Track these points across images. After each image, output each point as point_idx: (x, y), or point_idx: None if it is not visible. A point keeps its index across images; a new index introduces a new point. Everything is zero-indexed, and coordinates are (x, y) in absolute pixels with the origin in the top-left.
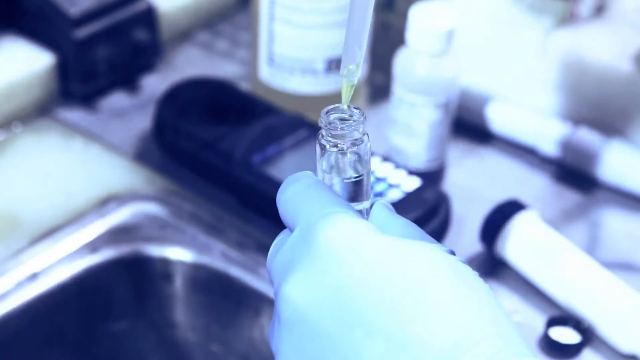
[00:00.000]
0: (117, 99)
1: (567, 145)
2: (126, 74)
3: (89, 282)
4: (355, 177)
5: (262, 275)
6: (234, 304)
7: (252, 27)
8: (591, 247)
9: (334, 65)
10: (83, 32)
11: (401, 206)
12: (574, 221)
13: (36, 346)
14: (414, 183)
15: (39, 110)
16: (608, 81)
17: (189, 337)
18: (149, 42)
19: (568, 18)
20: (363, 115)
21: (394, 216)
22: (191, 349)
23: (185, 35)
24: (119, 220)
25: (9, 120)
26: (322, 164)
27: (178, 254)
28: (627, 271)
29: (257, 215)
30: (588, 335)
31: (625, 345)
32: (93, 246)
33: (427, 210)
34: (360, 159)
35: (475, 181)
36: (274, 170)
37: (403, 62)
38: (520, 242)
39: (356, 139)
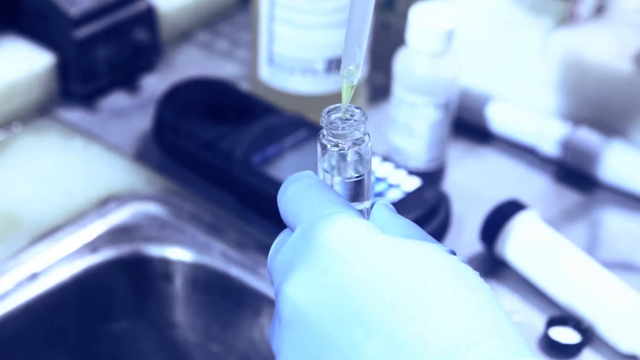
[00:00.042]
0: (117, 99)
1: (567, 145)
2: (126, 74)
3: (89, 282)
4: (356, 177)
5: (262, 275)
6: (234, 304)
7: (252, 27)
8: (591, 247)
9: (334, 65)
10: (83, 32)
11: (401, 206)
12: (574, 221)
13: (36, 346)
14: (414, 183)
15: (39, 110)
16: (608, 81)
17: (189, 337)
18: (149, 42)
19: (568, 18)
20: (364, 115)
21: (395, 216)
22: (191, 349)
23: (185, 35)
24: (119, 220)
25: (9, 120)
26: (323, 164)
27: (178, 254)
28: (627, 271)
29: (257, 215)
30: (588, 335)
31: (625, 345)
32: (93, 246)
33: (427, 210)
34: (361, 158)
35: (475, 181)
36: (274, 170)
37: (403, 62)
38: (520, 242)
39: (357, 139)
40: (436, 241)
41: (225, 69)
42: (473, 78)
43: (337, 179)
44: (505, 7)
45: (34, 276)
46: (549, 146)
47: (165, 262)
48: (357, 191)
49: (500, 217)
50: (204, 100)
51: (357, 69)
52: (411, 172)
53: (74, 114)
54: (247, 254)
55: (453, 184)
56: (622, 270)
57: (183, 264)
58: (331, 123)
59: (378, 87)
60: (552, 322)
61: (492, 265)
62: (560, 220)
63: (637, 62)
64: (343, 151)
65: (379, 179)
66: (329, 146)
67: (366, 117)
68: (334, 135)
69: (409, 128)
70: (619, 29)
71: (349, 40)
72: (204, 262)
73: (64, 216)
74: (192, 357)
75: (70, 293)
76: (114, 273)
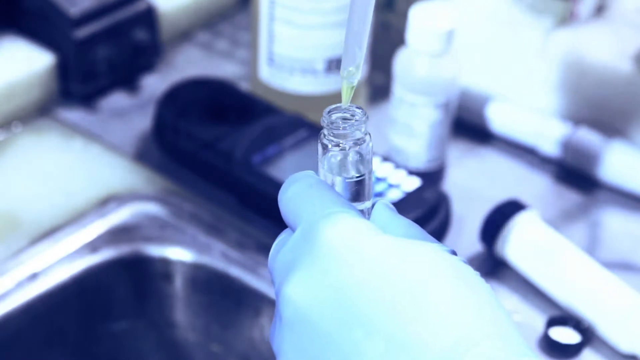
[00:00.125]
0: (117, 99)
1: (567, 145)
2: (126, 74)
3: (89, 282)
4: (357, 177)
5: (262, 275)
6: (234, 304)
7: (252, 27)
8: (591, 247)
9: (334, 65)
10: (83, 32)
11: (401, 206)
12: (574, 221)
13: (36, 346)
14: (414, 183)
15: (39, 110)
16: (608, 81)
17: (189, 337)
18: (149, 42)
19: (568, 18)
20: (365, 115)
21: (396, 216)
22: (191, 349)
23: (185, 35)
24: (119, 220)
25: (9, 120)
26: (324, 164)
27: (178, 254)
28: (627, 271)
29: (257, 215)
30: (588, 335)
31: (625, 345)
32: (93, 246)
33: (427, 210)
34: (362, 158)
35: (475, 181)
36: (274, 170)
37: (403, 62)
38: (520, 242)
39: (358, 139)
40: (437, 241)
41: (225, 69)
42: (473, 78)
43: (338, 179)
44: (505, 7)
45: (34, 276)
46: (549, 146)
47: (165, 262)
48: (357, 191)
49: (500, 217)
50: (204, 100)
51: (357, 70)
52: (411, 172)
53: (74, 114)
54: (247, 254)
55: (453, 184)
56: (622, 270)
57: (183, 264)
58: (332, 123)
59: (378, 87)
60: (552, 322)
61: (492, 265)
62: (560, 220)
63: (637, 62)
64: (344, 151)
65: (379, 179)
66: (330, 146)
67: (367, 117)
68: (335, 135)
69: (409, 128)
70: (619, 29)
71: (349, 41)
72: (204, 262)
73: (64, 216)
74: (192, 357)
75: (70, 293)
76: (114, 273)
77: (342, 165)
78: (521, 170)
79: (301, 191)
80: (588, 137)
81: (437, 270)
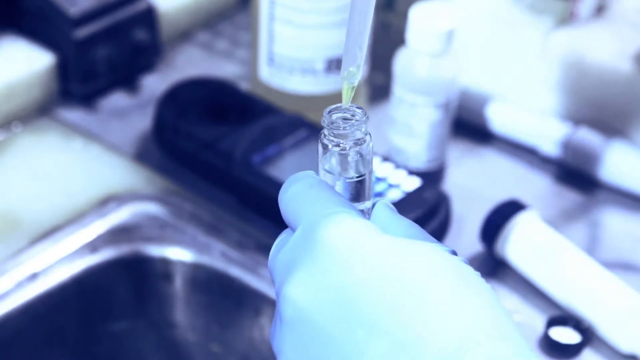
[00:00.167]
0: (117, 99)
1: (568, 146)
2: (126, 74)
3: (89, 282)
4: (357, 177)
5: (262, 275)
6: (234, 304)
7: (252, 27)
8: (591, 247)
9: (334, 65)
10: (83, 32)
11: (401, 206)
12: (574, 221)
13: (36, 346)
14: (414, 183)
15: (39, 110)
16: (608, 81)
17: (189, 337)
18: (149, 42)
19: (568, 18)
20: (365, 115)
21: (396, 216)
22: (191, 349)
23: (185, 35)
24: (119, 220)
25: (9, 120)
26: (324, 164)
27: (178, 254)
28: (627, 271)
29: (257, 215)
30: (588, 335)
31: (625, 345)
32: (93, 246)
33: (427, 210)
34: (362, 158)
35: (475, 181)
36: (274, 170)
37: (403, 62)
38: (520, 242)
39: (358, 139)
40: (437, 241)
41: (225, 69)
42: (473, 78)
43: (339, 179)
44: (505, 7)
45: (34, 276)
46: (549, 146)
47: (165, 262)
48: (358, 191)
49: (500, 217)
50: (204, 100)
51: (357, 71)
52: (411, 172)
53: (73, 114)
54: (247, 254)
55: (453, 184)
56: (622, 270)
57: (183, 264)
58: (332, 123)
59: (378, 87)
60: (552, 322)
61: (492, 265)
62: (560, 220)
63: (637, 62)
64: (344, 151)
65: (379, 179)
66: (330, 146)
67: (367, 117)
68: (335, 135)
69: (409, 128)
70: (619, 29)
71: (349, 41)
72: (204, 262)
73: (64, 216)
74: (192, 357)
75: (70, 293)
76: (114, 273)
77: (343, 165)
78: (521, 170)
79: (301, 191)
80: (588, 137)
81: (438, 270)
